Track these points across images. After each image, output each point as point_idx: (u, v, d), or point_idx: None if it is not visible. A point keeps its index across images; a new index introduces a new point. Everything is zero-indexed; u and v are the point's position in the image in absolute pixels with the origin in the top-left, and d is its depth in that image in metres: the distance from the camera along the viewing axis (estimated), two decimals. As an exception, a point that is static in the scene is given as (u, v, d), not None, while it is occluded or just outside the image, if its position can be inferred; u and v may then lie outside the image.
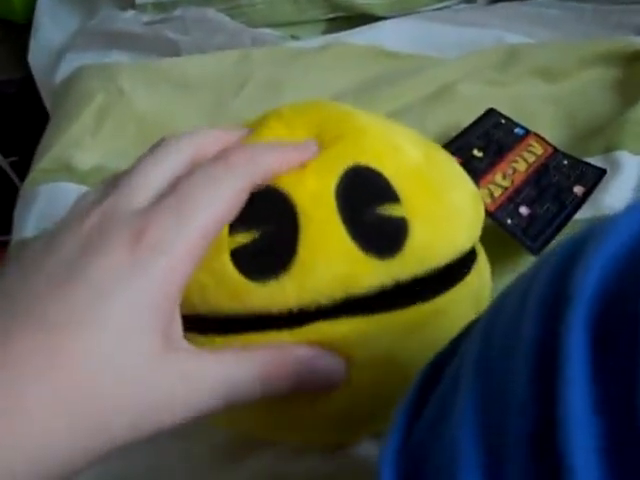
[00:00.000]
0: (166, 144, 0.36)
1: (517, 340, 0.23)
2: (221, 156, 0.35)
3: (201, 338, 0.36)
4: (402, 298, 0.37)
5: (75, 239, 0.32)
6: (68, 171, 0.72)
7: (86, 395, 0.29)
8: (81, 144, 0.74)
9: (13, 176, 1.06)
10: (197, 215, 0.32)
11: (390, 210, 0.36)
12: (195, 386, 0.32)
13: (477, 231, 0.41)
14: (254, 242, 0.35)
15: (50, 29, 0.99)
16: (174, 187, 0.33)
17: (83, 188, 0.69)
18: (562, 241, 0.25)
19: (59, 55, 0.92)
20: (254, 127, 0.40)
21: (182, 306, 0.34)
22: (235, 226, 0.35)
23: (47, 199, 0.70)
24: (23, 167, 0.78)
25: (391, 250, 0.36)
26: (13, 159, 1.08)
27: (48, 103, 0.93)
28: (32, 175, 0.74)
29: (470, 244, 0.40)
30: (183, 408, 0.31)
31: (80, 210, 0.34)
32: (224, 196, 0.33)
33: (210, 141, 0.37)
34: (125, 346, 0.30)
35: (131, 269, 0.30)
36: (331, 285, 0.35)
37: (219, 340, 0.36)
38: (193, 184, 0.33)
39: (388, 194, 0.37)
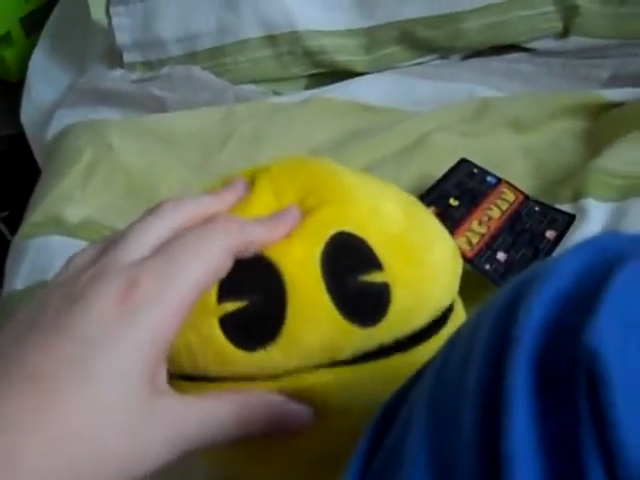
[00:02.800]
0: (162, 208, 0.36)
1: (464, 384, 0.23)
2: (211, 220, 0.36)
3: (183, 383, 0.36)
4: (379, 353, 0.37)
5: (68, 294, 0.32)
6: (58, 225, 0.72)
7: (76, 449, 0.29)
8: (71, 198, 0.75)
9: (5, 230, 1.06)
10: (185, 271, 0.33)
11: (373, 277, 0.37)
12: (178, 428, 0.32)
13: (456, 286, 0.42)
14: (243, 310, 0.35)
15: (42, 87, 1.00)
16: (163, 247, 0.34)
17: (72, 241, 0.70)
18: (506, 284, 0.26)
19: (50, 112, 0.93)
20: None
21: (170, 365, 0.34)
22: (224, 294, 0.35)
23: (37, 252, 0.71)
24: (15, 221, 0.78)
25: (374, 318, 0.36)
26: (5, 214, 1.08)
27: (39, 159, 0.94)
28: (23, 229, 0.74)
29: (450, 300, 0.40)
30: (171, 449, 0.32)
31: (75, 268, 0.35)
32: (212, 255, 0.34)
33: (204, 205, 0.38)
34: (114, 397, 0.30)
35: (119, 321, 0.31)
36: (317, 353, 0.36)
37: (208, 386, 0.36)
38: (183, 243, 0.34)
39: (371, 261, 0.37)
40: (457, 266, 0.42)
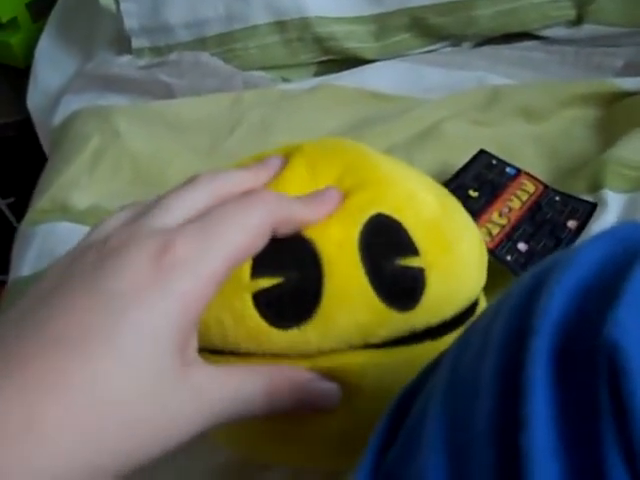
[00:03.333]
0: (198, 180, 0.36)
1: (481, 373, 0.23)
2: (251, 192, 0.35)
3: (213, 357, 0.36)
4: (411, 338, 0.37)
5: (98, 255, 0.32)
6: (65, 211, 0.72)
7: (103, 415, 0.28)
8: (77, 184, 0.74)
9: (10, 217, 1.06)
10: (222, 240, 0.32)
11: (410, 262, 0.36)
12: (207, 399, 0.31)
13: (484, 278, 0.42)
14: (278, 287, 0.35)
15: (48, 73, 0.99)
16: (203, 216, 0.33)
17: (80, 227, 0.69)
18: (525, 273, 0.25)
19: (57, 98, 0.92)
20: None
21: (200, 338, 0.34)
22: (259, 269, 0.35)
23: (44, 239, 0.70)
24: (21, 208, 0.78)
25: (410, 303, 0.36)
26: (10, 200, 1.07)
27: (46, 145, 0.93)
28: (29, 215, 0.74)
29: (478, 291, 0.40)
30: (200, 421, 0.31)
31: (105, 228, 0.34)
32: (250, 226, 0.33)
33: (241, 179, 0.37)
34: (141, 364, 0.29)
35: (152, 286, 0.30)
36: (351, 334, 0.35)
37: (236, 360, 0.36)
38: (222, 212, 0.33)
39: (408, 246, 0.37)
40: (484, 258, 0.42)
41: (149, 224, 0.33)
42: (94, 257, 0.32)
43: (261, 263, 0.35)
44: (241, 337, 0.35)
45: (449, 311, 0.38)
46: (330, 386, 0.36)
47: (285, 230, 0.35)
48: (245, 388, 0.33)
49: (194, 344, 0.33)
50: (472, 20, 0.86)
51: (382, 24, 0.87)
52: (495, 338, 0.23)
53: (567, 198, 0.62)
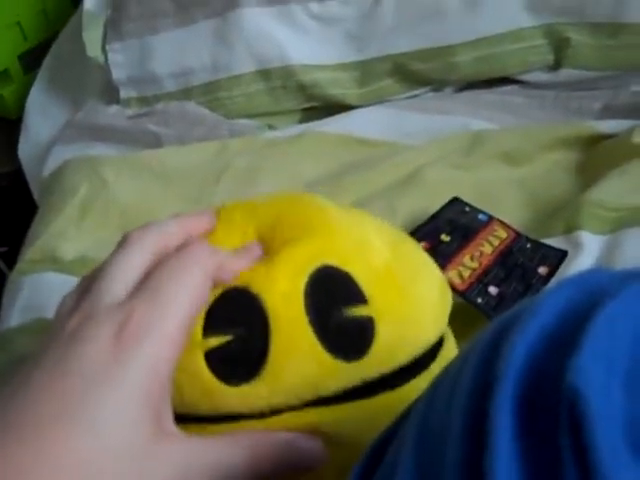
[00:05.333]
0: (129, 239, 0.37)
1: (450, 423, 0.23)
2: (186, 248, 0.36)
3: (179, 426, 0.35)
4: (368, 390, 0.37)
5: (59, 343, 0.32)
6: (53, 262, 0.72)
7: None
8: (65, 235, 0.74)
9: (3, 267, 1.06)
10: (173, 302, 0.33)
11: (357, 311, 0.36)
12: (185, 472, 0.31)
13: (444, 320, 0.41)
14: (227, 345, 0.35)
15: (39, 124, 1.00)
16: (146, 280, 0.34)
17: (68, 278, 0.69)
18: (491, 322, 0.25)
19: (47, 149, 0.94)
20: (223, 218, 0.41)
21: None
22: (209, 328, 0.35)
23: (32, 289, 0.70)
24: (14, 258, 0.78)
25: (359, 353, 0.36)
26: (4, 249, 1.08)
27: (37, 195, 0.93)
28: (19, 266, 0.74)
29: (437, 335, 0.40)
30: None
31: (60, 317, 0.34)
32: (193, 283, 0.34)
33: (169, 229, 0.38)
34: (117, 441, 0.30)
35: (116, 361, 0.31)
36: (301, 388, 0.36)
37: (194, 428, 0.36)
38: (163, 274, 0.34)
39: (355, 295, 0.37)
40: (446, 300, 0.42)
41: (100, 299, 0.33)
42: (55, 344, 0.32)
43: (211, 322, 0.35)
44: (196, 397, 0.35)
45: (402, 358, 0.37)
46: (313, 443, 0.35)
47: (223, 277, 0.36)
48: (226, 459, 0.33)
49: (169, 414, 0.33)
50: (453, 66, 0.87)
51: (365, 71, 0.89)
52: (462, 387, 0.24)
53: (538, 245, 0.62)
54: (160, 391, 0.32)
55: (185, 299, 0.34)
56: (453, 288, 0.56)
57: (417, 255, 0.43)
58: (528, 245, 0.62)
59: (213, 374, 0.35)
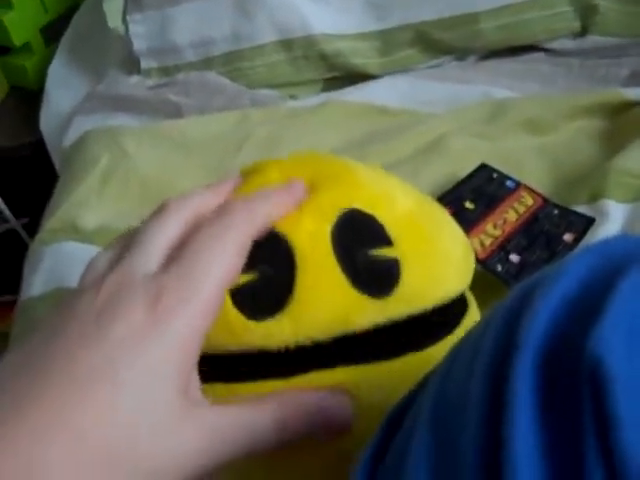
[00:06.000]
0: (167, 208, 0.36)
1: (468, 390, 0.23)
2: (220, 213, 0.35)
3: (204, 386, 0.35)
4: (394, 347, 0.37)
5: (92, 307, 0.32)
6: (74, 231, 0.72)
7: (107, 458, 0.28)
8: (86, 205, 0.75)
9: (25, 237, 1.07)
10: (207, 274, 0.32)
11: (383, 252, 0.37)
12: (217, 438, 0.31)
13: (467, 278, 0.41)
14: (253, 282, 0.35)
15: (60, 95, 1.00)
16: (182, 250, 0.33)
17: (89, 247, 0.70)
18: (513, 288, 0.25)
19: (68, 119, 0.93)
20: (250, 174, 0.41)
21: None
22: None
23: (53, 259, 0.71)
24: (35, 228, 0.79)
25: (384, 290, 0.36)
26: (25, 220, 1.09)
27: (58, 166, 0.94)
28: (39, 235, 0.74)
29: (460, 289, 0.40)
30: (205, 461, 0.31)
31: (94, 276, 0.34)
32: (229, 252, 0.34)
33: (207, 198, 0.37)
34: (146, 408, 0.30)
35: (150, 332, 0.30)
36: (327, 323, 0.36)
37: (220, 389, 0.36)
38: (199, 245, 0.33)
39: (381, 237, 0.37)
40: (469, 259, 0.42)
41: (133, 269, 0.33)
42: (88, 308, 0.32)
43: None
44: (221, 335, 0.35)
45: (428, 301, 0.37)
46: (342, 400, 0.35)
47: (262, 233, 0.36)
48: (253, 423, 0.33)
49: (196, 383, 0.33)
50: (476, 34, 0.86)
51: (387, 40, 0.88)
52: (483, 356, 0.23)
53: (566, 212, 0.61)
54: (190, 362, 0.32)
55: (218, 269, 0.33)
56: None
57: (442, 214, 0.43)
58: (555, 211, 0.61)
59: (238, 311, 0.35)
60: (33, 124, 1.00)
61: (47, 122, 0.98)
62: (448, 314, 0.39)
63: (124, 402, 0.29)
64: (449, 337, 0.39)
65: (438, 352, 0.37)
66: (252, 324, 0.35)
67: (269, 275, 0.36)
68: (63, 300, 0.34)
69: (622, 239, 0.25)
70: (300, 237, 0.36)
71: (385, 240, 0.37)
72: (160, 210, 0.36)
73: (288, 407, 0.34)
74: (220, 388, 0.36)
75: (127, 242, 0.35)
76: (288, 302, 0.35)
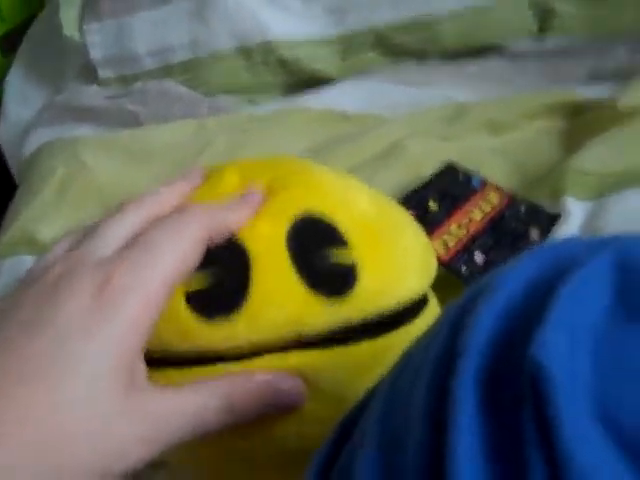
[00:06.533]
0: (125, 207, 0.37)
1: (413, 401, 0.22)
2: (179, 211, 0.35)
3: (155, 373, 0.35)
4: (349, 335, 0.36)
5: (40, 289, 0.32)
6: (31, 244, 0.70)
7: (52, 448, 0.28)
8: (43, 217, 0.73)
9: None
10: (158, 265, 0.33)
11: (339, 255, 0.36)
12: (161, 424, 0.31)
13: (428, 278, 0.41)
14: (207, 285, 0.35)
15: (18, 106, 0.97)
16: (136, 239, 0.33)
17: (45, 260, 0.67)
18: (460, 295, 0.25)
19: (26, 131, 0.91)
20: (211, 177, 0.41)
21: None
22: None
23: (10, 273, 0.69)
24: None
25: (340, 292, 0.36)
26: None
27: (16, 178, 0.91)
28: None
29: (420, 290, 0.39)
30: (149, 447, 0.31)
31: (46, 262, 0.34)
32: (182, 247, 0.34)
33: (164, 197, 0.38)
34: (89, 394, 0.29)
35: (95, 317, 0.30)
36: (282, 325, 0.35)
37: (173, 373, 0.36)
38: (154, 235, 0.34)
39: (337, 240, 0.37)
40: (429, 260, 0.42)
41: (86, 254, 0.33)
42: (35, 291, 0.32)
43: None
44: (174, 337, 0.35)
45: (385, 305, 0.37)
46: (293, 382, 0.35)
47: (217, 238, 0.35)
48: (201, 406, 0.32)
49: (142, 369, 0.33)
50: (435, 36, 0.85)
51: (346, 44, 0.86)
52: (427, 363, 0.23)
53: (532, 209, 0.60)
54: (134, 351, 0.31)
55: (172, 261, 0.33)
56: (437, 259, 0.54)
57: (401, 215, 0.43)
58: (522, 209, 0.60)
59: (192, 312, 0.35)
60: (-8, 137, 0.98)
61: (4, 134, 0.96)
62: (406, 309, 0.38)
63: (63, 399, 0.29)
64: (406, 326, 0.38)
65: (394, 340, 0.37)
66: (206, 326, 0.35)
67: (224, 278, 0.35)
68: (12, 290, 0.34)
69: (570, 241, 0.25)
70: (255, 241, 0.36)
71: (341, 243, 0.37)
72: (118, 209, 0.36)
73: (237, 387, 0.34)
74: (172, 373, 0.36)
75: (84, 233, 0.35)
76: (242, 305, 0.35)
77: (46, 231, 0.71)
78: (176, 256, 0.33)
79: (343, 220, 0.38)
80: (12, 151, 0.94)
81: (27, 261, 0.69)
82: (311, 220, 0.37)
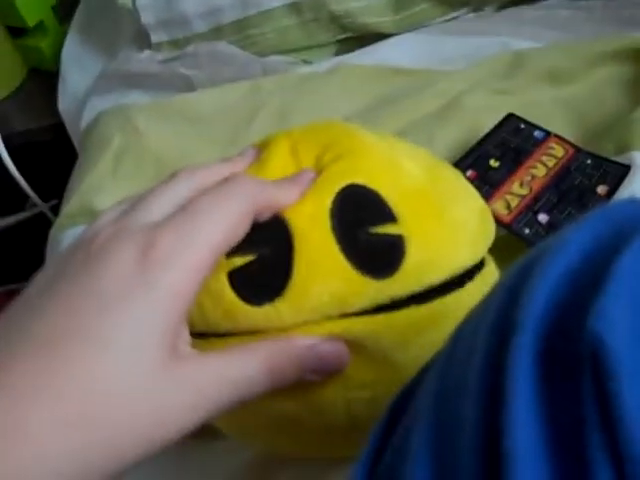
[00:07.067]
0: (177, 175, 0.36)
1: (467, 378, 0.21)
2: (228, 180, 0.35)
3: (198, 340, 0.35)
4: (396, 305, 0.35)
5: (84, 255, 0.32)
6: (90, 215, 0.70)
7: (90, 417, 0.28)
8: (102, 187, 0.72)
9: (54, 219, 1.04)
10: (204, 232, 0.32)
11: (386, 229, 0.35)
12: (204, 391, 0.31)
13: (483, 247, 0.39)
14: (250, 265, 0.35)
15: (76, 75, 0.97)
16: (183, 208, 0.33)
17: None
18: (510, 263, 0.23)
19: (84, 100, 0.90)
20: (263, 149, 0.40)
21: None
22: (233, 248, 0.34)
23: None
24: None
25: (387, 270, 0.35)
26: (54, 202, 1.06)
27: (77, 148, 0.91)
28: (58, 221, 0.73)
29: (473, 260, 0.38)
30: (196, 414, 0.31)
31: (93, 229, 0.34)
32: (230, 216, 0.33)
33: (220, 169, 0.37)
34: (131, 363, 0.29)
35: (138, 283, 0.30)
36: (326, 305, 0.34)
37: (216, 342, 0.36)
38: (202, 204, 0.33)
39: (384, 212, 0.35)
40: (485, 228, 0.40)
41: (133, 221, 0.33)
42: (81, 257, 0.32)
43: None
44: (219, 317, 0.35)
45: (433, 279, 0.35)
46: (335, 346, 0.35)
47: (264, 215, 0.35)
48: (244, 371, 0.32)
49: (185, 336, 0.33)
50: (492, -18, 0.81)
51: (399, -5, 0.83)
52: (481, 338, 0.21)
53: (599, 161, 0.57)
54: (177, 318, 0.31)
55: (216, 230, 0.32)
56: (498, 220, 0.51)
57: (455, 181, 0.41)
58: (588, 161, 0.57)
59: (235, 294, 0.34)
60: (54, 106, 0.97)
61: (65, 104, 0.96)
62: (456, 279, 0.37)
63: (104, 366, 0.29)
64: (457, 291, 0.37)
65: (444, 304, 0.36)
66: (250, 309, 0.34)
67: (267, 258, 0.35)
68: (58, 254, 0.34)
69: (629, 204, 0.23)
70: (299, 217, 0.35)
71: (388, 216, 0.35)
72: (171, 176, 0.36)
73: (279, 353, 0.33)
74: (215, 341, 0.36)
75: (133, 201, 0.35)
76: (286, 287, 0.34)
77: (104, 201, 0.70)
78: (222, 225, 0.33)
79: (390, 189, 0.36)
80: (72, 121, 0.93)
81: (87, 231, 0.68)
82: (355, 192, 0.36)
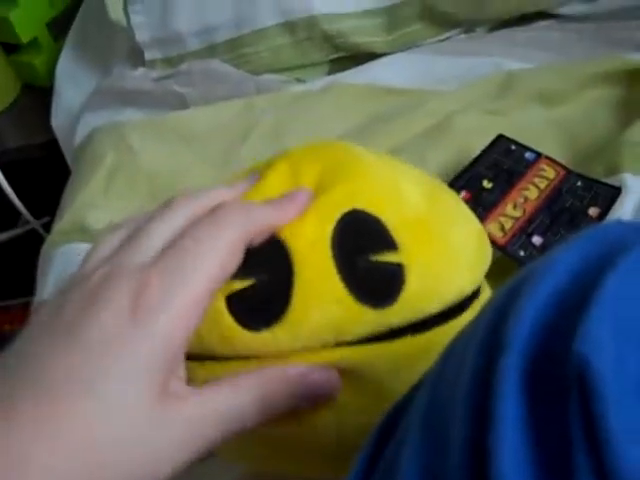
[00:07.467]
0: (173, 203, 0.35)
1: (456, 393, 0.21)
2: (216, 210, 0.34)
3: (193, 364, 0.34)
4: (392, 334, 0.35)
5: (79, 298, 0.31)
6: (82, 232, 0.70)
7: (85, 458, 0.28)
8: (94, 204, 0.72)
9: (46, 236, 1.04)
10: (196, 271, 0.32)
11: (386, 257, 0.34)
12: (196, 431, 0.31)
13: (481, 274, 0.39)
14: (249, 290, 0.34)
15: (70, 92, 0.97)
16: (173, 244, 0.32)
17: (97, 247, 0.66)
18: (503, 284, 0.23)
19: (78, 117, 0.90)
20: (262, 171, 0.39)
21: None
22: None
23: (63, 261, 0.68)
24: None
25: (386, 300, 0.34)
26: (45, 220, 1.06)
27: (70, 165, 0.90)
28: (50, 237, 0.72)
29: (472, 286, 0.37)
30: (188, 452, 0.30)
31: (89, 266, 0.33)
32: (221, 249, 0.32)
33: (216, 197, 0.36)
34: (124, 410, 0.29)
35: (131, 330, 0.30)
36: (323, 333, 0.34)
37: (209, 365, 0.35)
38: (190, 241, 0.32)
39: (385, 240, 0.35)
40: (483, 252, 0.39)
41: (127, 259, 0.32)
42: (77, 298, 0.31)
43: None
44: (215, 341, 0.34)
45: (433, 308, 0.35)
46: (328, 374, 0.34)
47: (259, 238, 0.34)
48: (235, 405, 0.32)
49: (180, 372, 0.32)
50: (483, 3, 0.81)
51: (392, 16, 0.83)
52: (469, 356, 0.21)
53: (590, 183, 0.57)
54: (171, 360, 0.31)
55: (209, 265, 0.32)
56: (493, 242, 0.51)
57: (453, 204, 0.40)
58: (579, 183, 0.57)
59: (233, 319, 0.34)
60: (47, 122, 0.97)
61: (59, 120, 0.95)
62: (454, 308, 0.36)
63: (101, 410, 0.28)
64: (453, 320, 0.36)
65: (439, 334, 0.35)
66: (247, 334, 0.34)
67: (266, 282, 0.34)
68: (56, 293, 0.33)
69: (618, 225, 0.23)
70: (300, 243, 0.34)
71: (389, 244, 0.34)
72: (166, 204, 0.35)
73: (271, 382, 0.33)
74: (211, 365, 0.35)
75: (130, 231, 0.34)
76: (285, 313, 0.33)
77: (97, 218, 0.70)
78: (214, 260, 0.32)
79: (391, 216, 0.35)
80: (66, 137, 0.93)
81: (79, 249, 0.68)
82: (357, 218, 0.35)
